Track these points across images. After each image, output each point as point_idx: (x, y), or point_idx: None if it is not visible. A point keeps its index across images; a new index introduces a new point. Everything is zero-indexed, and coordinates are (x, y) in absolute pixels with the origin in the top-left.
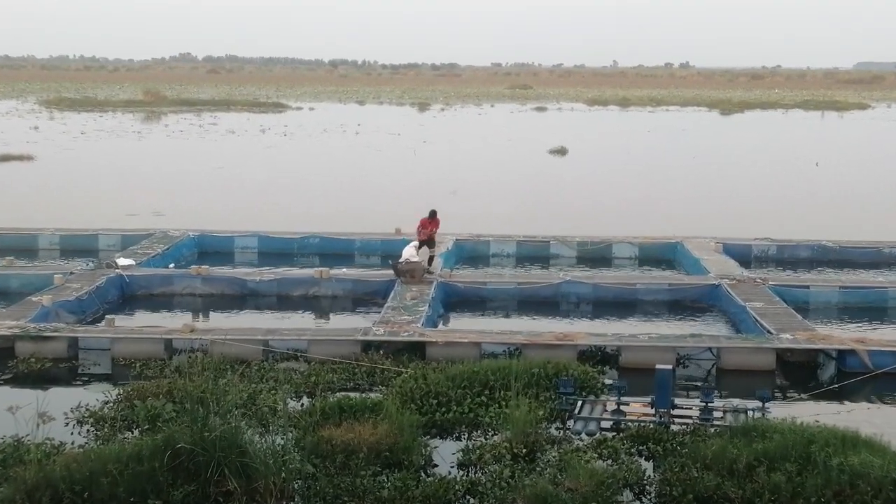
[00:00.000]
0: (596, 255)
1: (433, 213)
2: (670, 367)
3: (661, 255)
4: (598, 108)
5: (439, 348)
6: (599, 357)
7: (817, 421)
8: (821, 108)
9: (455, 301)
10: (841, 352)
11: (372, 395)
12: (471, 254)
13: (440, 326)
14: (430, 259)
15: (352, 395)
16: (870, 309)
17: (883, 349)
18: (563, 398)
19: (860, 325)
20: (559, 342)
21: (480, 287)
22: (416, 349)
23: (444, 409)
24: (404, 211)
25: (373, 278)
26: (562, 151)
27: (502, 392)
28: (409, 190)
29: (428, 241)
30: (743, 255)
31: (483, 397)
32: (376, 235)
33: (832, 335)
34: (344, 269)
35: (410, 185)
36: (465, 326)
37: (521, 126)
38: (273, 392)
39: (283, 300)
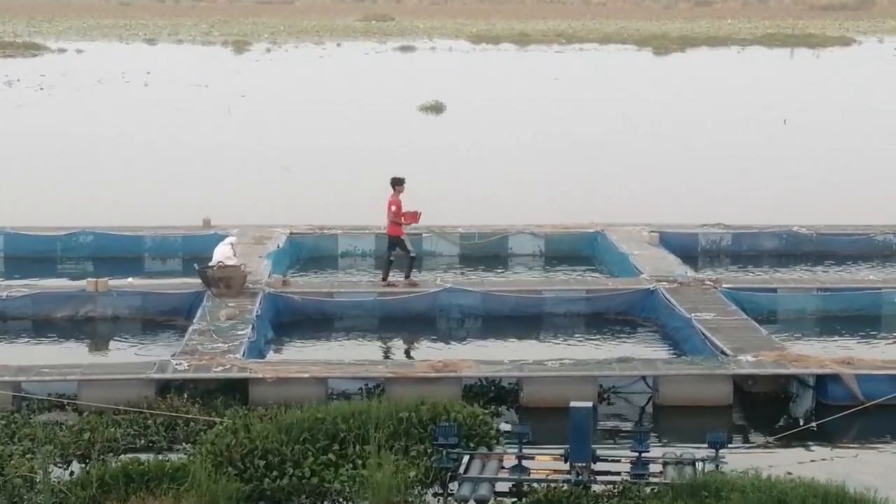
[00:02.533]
0: (487, 252)
1: (400, 182)
2: (590, 404)
3: (575, 250)
4: (486, 48)
5: (268, 387)
6: (493, 393)
7: (790, 473)
8: (789, 45)
9: (290, 320)
10: (820, 378)
11: (172, 455)
12: (312, 253)
13: (269, 356)
14: (412, 260)
15: (143, 456)
16: (858, 318)
17: (875, 373)
18: (444, 452)
19: (846, 340)
20: (437, 374)
21: (326, 300)
22: (236, 389)
23: (275, 474)
24: (215, 194)
25: (171, 290)
26: (437, 108)
27: (358, 447)
28: (223, 165)
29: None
30: (687, 248)
31: (331, 455)
32: (175, 230)
33: (808, 356)
34: (130, 279)
35: (224, 158)
36: (306, 356)
37: (379, 73)
38: (29, 457)
39: (41, 324)
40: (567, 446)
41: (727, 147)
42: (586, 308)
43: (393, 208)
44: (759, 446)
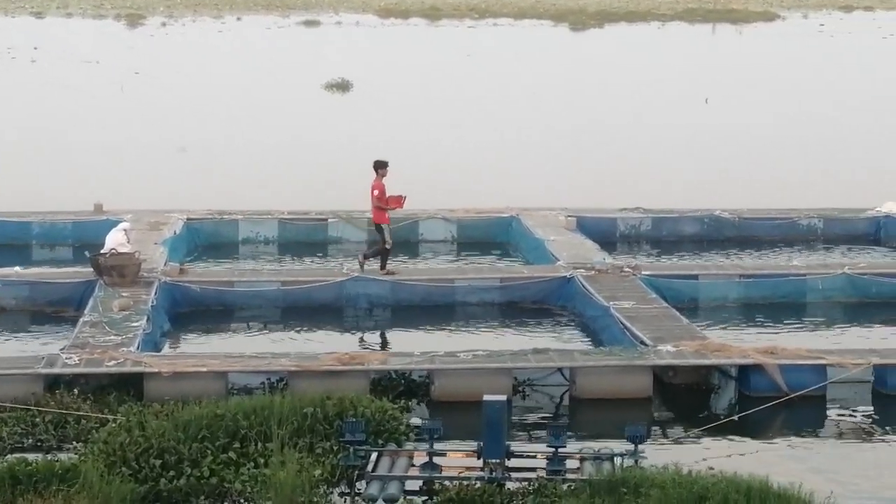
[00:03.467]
0: (396, 238)
1: (383, 165)
2: (504, 398)
3: (488, 236)
4: (395, 22)
5: (164, 382)
6: (403, 387)
7: (711, 468)
8: (711, 20)
9: (188, 311)
10: (743, 368)
11: (62, 455)
12: (210, 240)
13: (166, 350)
14: (386, 252)
15: (31, 456)
16: (782, 306)
17: (800, 363)
18: (351, 449)
19: (769, 329)
20: (344, 367)
21: (226, 289)
22: (130, 384)
23: (172, 474)
24: (107, 177)
25: (61, 280)
26: (343, 86)
27: (260, 444)
28: (115, 147)
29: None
30: (605, 233)
31: (232, 453)
32: (65, 216)
33: (731, 345)
34: (16, 268)
35: (116, 139)
36: (204, 349)
37: (282, 48)
38: None
39: None
40: (480, 442)
41: (646, 128)
42: (500, 297)
43: (376, 192)
44: (679, 440)
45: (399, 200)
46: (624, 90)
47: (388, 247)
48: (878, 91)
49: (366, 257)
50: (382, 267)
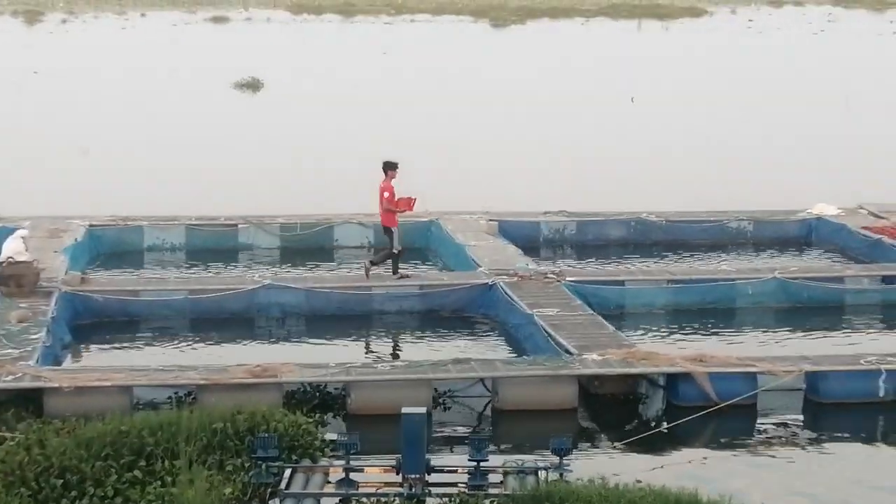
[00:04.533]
0: (310, 244)
1: (393, 167)
2: (424, 410)
3: (407, 241)
4: (307, 19)
5: (66, 397)
6: (318, 400)
7: (639, 481)
8: (637, 16)
9: (90, 322)
10: (671, 377)
11: None
12: (114, 247)
13: (67, 363)
14: (398, 255)
15: None
16: (712, 312)
17: (730, 371)
18: (263, 466)
19: (699, 336)
20: (255, 380)
21: (130, 299)
22: (29, 400)
23: (74, 494)
24: (3, 182)
25: None
26: (254, 85)
27: (167, 462)
28: (12, 149)
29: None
30: (528, 238)
31: (137, 471)
32: None
33: (658, 353)
34: None
35: (13, 141)
36: (108, 362)
37: (189, 45)
38: None
39: None
40: (399, 456)
41: (571, 127)
42: (419, 305)
43: (386, 195)
44: (606, 452)
45: (409, 202)
46: (547, 88)
47: (395, 251)
48: (807, 89)
49: (372, 264)
50: (395, 271)
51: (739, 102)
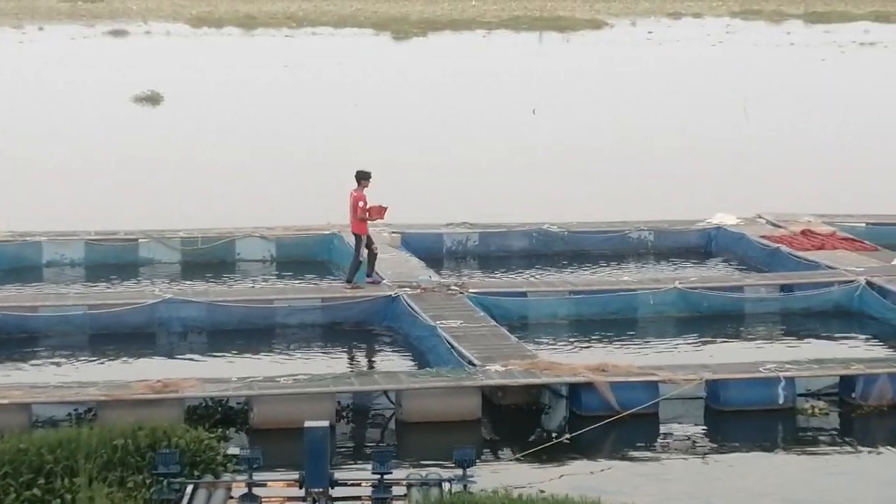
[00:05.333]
0: (211, 258)
1: (366, 176)
2: (327, 423)
3: (309, 254)
4: (207, 32)
5: None
6: (220, 415)
7: (542, 491)
8: (538, 28)
9: None
10: (574, 387)
11: None
12: (11, 263)
13: None
14: (357, 266)
15: None
16: (614, 322)
17: (632, 380)
18: (165, 482)
19: (600, 346)
20: (156, 396)
21: (28, 315)
22: None
23: None
24: None
25: None
26: (153, 99)
27: (67, 480)
28: None
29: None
30: (431, 250)
31: (36, 490)
32: None
33: (561, 364)
34: None
35: None
36: (5, 379)
37: (89, 60)
38: None
39: None
40: (302, 471)
41: (473, 139)
42: (322, 318)
43: (360, 204)
44: (510, 462)
45: (381, 211)
46: (448, 100)
47: (361, 260)
48: (706, 99)
49: (369, 272)
50: (349, 279)
51: (639, 113)
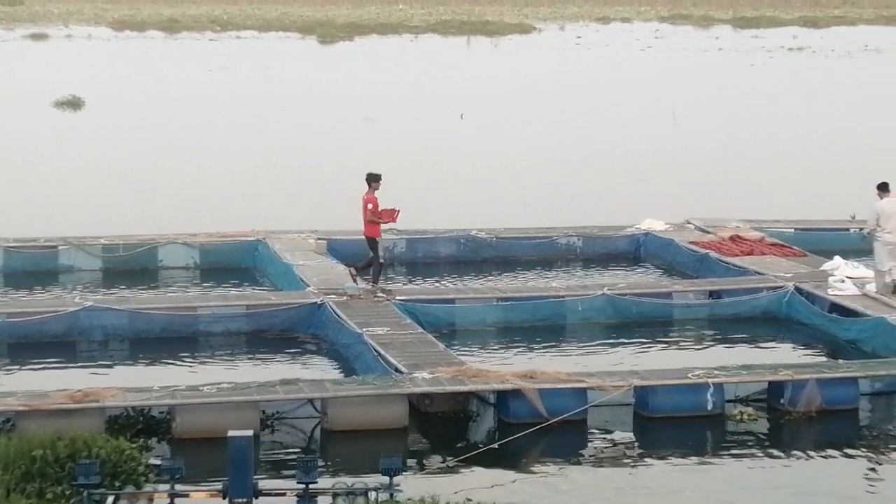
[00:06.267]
0: (134, 265)
1: (377, 178)
2: (251, 432)
3: (234, 261)
4: (130, 35)
5: None
6: (142, 424)
7: (469, 499)
8: (466, 32)
9: None
10: (502, 394)
11: None
12: None
13: None
14: (380, 267)
15: None
16: (542, 328)
17: (560, 387)
18: (85, 493)
19: (529, 353)
20: (76, 405)
21: None
22: None
23: None
24: None
25: None
26: (75, 104)
27: None
28: None
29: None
30: (358, 256)
31: None
32: None
33: (489, 371)
34: None
35: None
36: None
37: (8, 64)
38: None
39: None
40: (225, 480)
41: (399, 144)
42: (246, 325)
43: (370, 206)
44: (437, 471)
45: (392, 214)
46: (375, 105)
47: (382, 262)
48: (634, 104)
49: (357, 270)
50: (375, 282)
51: (567, 119)
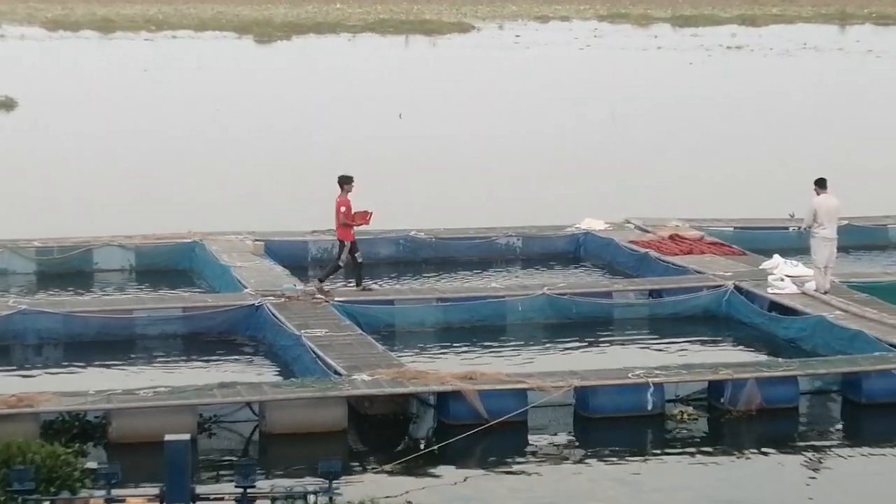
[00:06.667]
0: (68, 268)
1: (349, 181)
2: (188, 436)
3: (171, 263)
4: (64, 35)
5: None
6: (77, 429)
7: (410, 502)
8: (404, 31)
9: None
10: (442, 396)
11: None
12: None
13: None
14: (334, 270)
15: None
16: (482, 329)
17: (500, 388)
18: (20, 499)
19: (469, 354)
20: (10, 410)
21: None
22: None
23: None
24: None
25: None
26: (8, 104)
27: None
28: None
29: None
30: (296, 258)
31: None
32: None
33: (428, 372)
34: None
35: None
36: None
37: None
38: None
39: None
40: (162, 485)
41: (337, 144)
42: (183, 328)
43: (343, 209)
44: (377, 473)
45: (365, 216)
46: (313, 105)
47: (341, 265)
48: (574, 104)
49: (321, 281)
50: (322, 279)
51: (506, 118)
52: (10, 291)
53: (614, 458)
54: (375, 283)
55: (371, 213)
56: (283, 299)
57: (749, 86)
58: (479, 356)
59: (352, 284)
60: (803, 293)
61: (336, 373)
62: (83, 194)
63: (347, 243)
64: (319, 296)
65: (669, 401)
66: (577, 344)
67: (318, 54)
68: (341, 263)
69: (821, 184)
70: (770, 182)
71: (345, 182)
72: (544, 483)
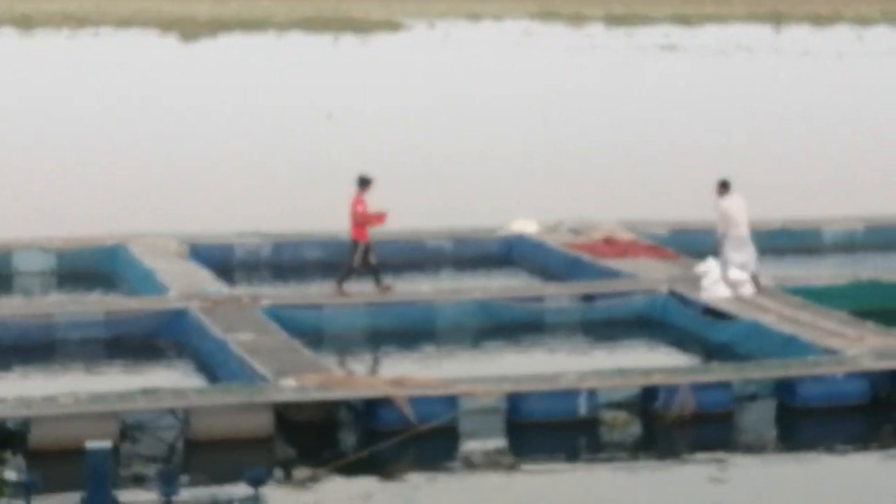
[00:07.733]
0: None
1: (367, 182)
2: (109, 444)
3: (92, 266)
4: None
5: None
6: None
7: None
8: (332, 29)
9: None
10: (371, 402)
11: None
12: None
13: None
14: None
15: None
16: (412, 334)
17: (430, 394)
18: None
19: (398, 359)
20: None
21: None
22: None
23: None
24: None
25: None
26: None
27: None
28: None
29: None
30: (222, 261)
31: None
32: None
33: (357, 378)
34: None
35: None
36: None
37: None
38: None
39: None
40: (83, 494)
41: (262, 145)
42: (105, 332)
43: (359, 209)
44: (304, 481)
45: (381, 217)
46: (239, 105)
47: (355, 267)
48: (505, 104)
49: (339, 283)
50: (340, 282)
51: (436, 117)
52: None
53: (546, 464)
54: (303, 286)
55: (386, 215)
56: (208, 303)
57: (683, 85)
58: (409, 361)
59: (280, 287)
60: (737, 298)
61: (262, 379)
62: (1, 195)
63: (362, 244)
64: (245, 300)
65: (602, 406)
66: (509, 349)
67: (244, 52)
68: (355, 265)
69: (726, 186)
70: (705, 183)
71: (363, 183)
72: (475, 489)
